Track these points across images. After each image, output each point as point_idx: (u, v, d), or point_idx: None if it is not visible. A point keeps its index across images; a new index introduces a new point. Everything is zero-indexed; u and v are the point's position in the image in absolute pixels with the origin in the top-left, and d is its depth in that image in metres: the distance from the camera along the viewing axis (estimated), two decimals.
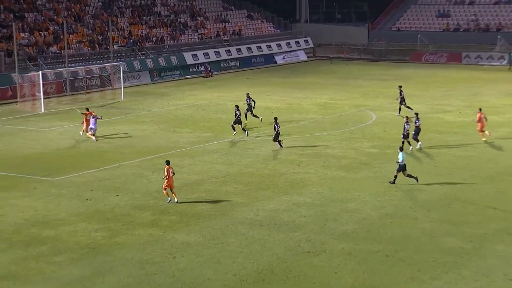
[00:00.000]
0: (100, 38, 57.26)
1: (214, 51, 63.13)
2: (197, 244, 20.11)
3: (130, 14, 62.72)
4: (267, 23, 73.83)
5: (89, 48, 55.26)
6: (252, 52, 66.64)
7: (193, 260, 19.00)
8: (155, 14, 64.72)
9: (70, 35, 54.56)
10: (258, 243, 20.23)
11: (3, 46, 49.69)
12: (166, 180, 23.63)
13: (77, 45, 54.76)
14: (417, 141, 31.20)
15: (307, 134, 35.32)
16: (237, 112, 34.45)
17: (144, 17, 63.25)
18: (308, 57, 71.53)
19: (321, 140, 33.77)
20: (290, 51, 70.27)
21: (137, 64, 56.18)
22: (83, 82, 50.03)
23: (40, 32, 53.47)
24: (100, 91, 49.84)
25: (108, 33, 55.09)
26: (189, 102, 45.66)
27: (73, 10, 58.64)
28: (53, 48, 52.63)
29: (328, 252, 19.55)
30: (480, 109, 32.64)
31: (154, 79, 56.61)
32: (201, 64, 60.87)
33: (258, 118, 37.51)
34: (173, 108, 43.50)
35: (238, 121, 34.49)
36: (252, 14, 72.86)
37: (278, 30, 74.13)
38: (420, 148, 31.05)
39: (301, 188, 25.74)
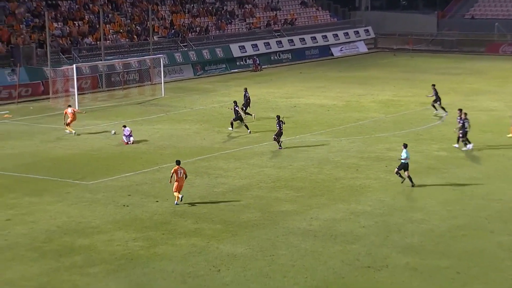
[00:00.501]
0: (139, 28, 58.02)
1: (264, 43, 63.24)
2: (244, 256, 20.13)
3: (172, 1, 63.38)
4: (322, 11, 73.58)
5: (127, 40, 56.05)
6: (306, 44, 66.52)
7: (239, 274, 19.03)
8: (199, 1, 65.24)
9: (107, 25, 55.44)
10: (311, 256, 20.12)
11: (34, 37, 50.79)
12: (175, 183, 24.02)
13: (114, 36, 55.60)
14: (468, 142, 31.17)
15: (367, 135, 35.02)
16: (236, 108, 35.12)
17: (187, 5, 63.82)
18: (368, 48, 70.99)
19: (382, 141, 33.42)
20: (349, 42, 69.86)
21: (179, 56, 56.71)
22: (120, 77, 50.77)
23: (75, 22, 54.47)
24: (138, 86, 50.50)
25: (148, 22, 55.77)
26: (235, 99, 45.82)
27: None
28: (88, 39, 53.55)
29: (391, 268, 19.31)
30: None
31: (198, 74, 57.05)
32: (249, 56, 61.05)
33: (251, 115, 37.95)
34: (217, 105, 43.73)
35: (238, 118, 35.09)
36: (306, 1, 72.71)
37: (335, 19, 73.79)
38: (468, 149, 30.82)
39: (360, 195, 25.52)
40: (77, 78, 43.14)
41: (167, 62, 53.74)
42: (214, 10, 65.31)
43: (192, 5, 64.36)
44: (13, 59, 47.93)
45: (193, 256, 20.12)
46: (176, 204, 24.37)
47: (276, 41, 64.51)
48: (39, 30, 51.64)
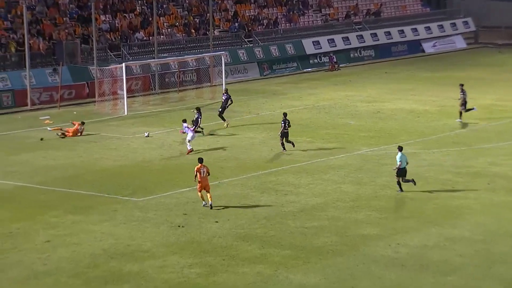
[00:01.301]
0: (197, 21, 58.73)
1: (342, 37, 63.13)
2: None
3: None
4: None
5: (183, 34, 56.81)
6: (392, 38, 66.09)
7: None
8: None
9: (161, 18, 56.33)
10: None
11: (79, 31, 51.97)
12: (198, 182, 25.90)
13: (168, 30, 56.44)
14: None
15: (465, 146, 34.52)
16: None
17: None
18: (467, 44, 70.03)
19: (483, 154, 32.90)
20: (444, 37, 69.09)
21: (243, 54, 57.13)
22: (176, 77, 51.47)
23: (125, 14, 55.49)
24: (196, 88, 51.09)
25: (208, 14, 56.38)
26: (308, 103, 45.83)
27: None
28: (140, 34, 54.49)
29: None
30: None
31: (264, 73, 57.32)
32: (325, 54, 61.05)
33: (225, 121, 38.63)
34: (287, 110, 43.74)
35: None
36: None
37: (428, 9, 73.09)
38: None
39: (457, 218, 25.15)
40: (126, 79, 43.91)
41: (229, 60, 54.20)
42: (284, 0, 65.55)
43: None
44: (55, 57, 49.14)
45: (258, 287, 20.16)
46: (204, 205, 26.12)
47: (357, 36, 64.31)
48: (84, 23, 52.81)
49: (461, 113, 39.31)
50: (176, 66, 51.50)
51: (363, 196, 27.55)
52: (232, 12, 61.29)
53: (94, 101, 46.09)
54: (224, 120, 38.94)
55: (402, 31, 66.91)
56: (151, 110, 44.51)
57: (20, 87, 45.71)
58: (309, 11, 66.05)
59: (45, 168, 31.50)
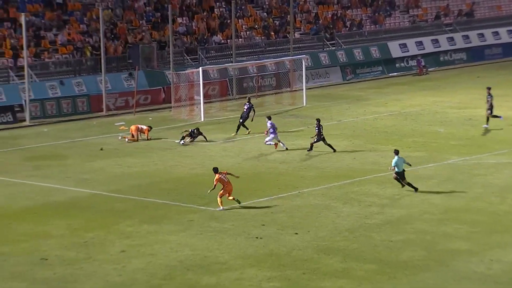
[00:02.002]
0: (277, 23, 58.94)
1: (431, 40, 62.55)
2: None
3: None
4: None
5: (262, 37, 57.10)
6: (486, 41, 65.12)
7: None
8: None
9: (239, 20, 56.74)
10: None
11: (155, 35, 52.79)
12: (222, 188, 27.02)
13: (247, 32, 56.81)
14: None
15: None
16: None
17: None
18: None
19: None
20: None
21: (325, 57, 57.10)
22: (254, 82, 51.75)
23: (202, 17, 56.02)
24: (275, 93, 51.26)
25: (289, 16, 56.55)
26: (394, 110, 45.47)
27: None
28: (217, 37, 55.00)
29: None
30: None
31: (347, 78, 57.16)
32: (412, 57, 60.57)
33: (247, 129, 38.96)
34: (371, 117, 43.58)
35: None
36: None
37: None
38: None
39: None
40: (203, 84, 44.38)
41: (310, 64, 54.25)
42: (369, 0, 65.19)
43: None
44: (131, 61, 50.01)
45: None
46: (221, 209, 27.12)
47: (447, 38, 63.58)
48: (159, 25, 53.60)
49: (488, 118, 39.43)
50: (255, 71, 51.79)
51: (453, 209, 27.19)
52: (314, 14, 61.30)
53: (170, 107, 46.70)
54: (246, 128, 39.17)
55: (496, 33, 65.84)
56: (228, 116, 44.83)
57: (95, 92, 46.68)
58: (396, 12, 65.58)
59: (120, 175, 32.08)
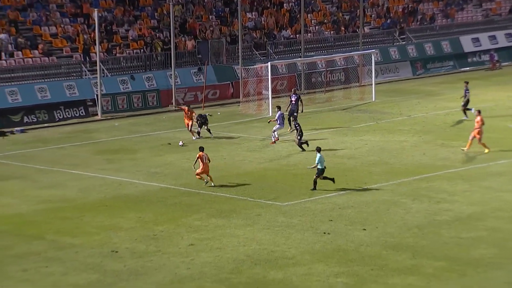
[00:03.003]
0: (347, 18, 58.70)
1: (505, 34, 61.60)
2: None
3: None
4: None
5: (332, 32, 56.95)
6: None
7: None
8: None
9: (308, 15, 56.68)
10: None
11: (224, 30, 53.08)
12: (200, 169, 29.32)
13: (316, 27, 56.72)
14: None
15: None
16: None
17: None
18: None
19: None
20: None
21: (395, 52, 56.69)
22: (323, 77, 51.66)
23: (271, 11, 56.13)
24: (343, 88, 51.09)
25: (359, 11, 56.26)
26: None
27: None
28: (286, 32, 55.04)
29: None
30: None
31: (417, 73, 56.67)
32: (485, 51, 59.72)
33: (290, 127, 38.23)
34: (442, 112, 43.12)
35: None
36: None
37: None
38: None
39: None
40: (271, 79, 44.46)
41: (379, 59, 53.93)
42: None
43: None
44: (200, 56, 50.40)
45: None
46: (206, 183, 29.52)
47: None
48: (229, 21, 53.87)
49: (464, 111, 40.29)
50: (323, 65, 51.69)
51: None
52: (385, 8, 60.86)
53: (238, 102, 46.91)
54: (289, 124, 38.43)
55: None
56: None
57: (165, 87, 47.19)
58: (469, 5, 64.73)
59: (188, 170, 32.35)
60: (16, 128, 41.32)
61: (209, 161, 29.80)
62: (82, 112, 44.37)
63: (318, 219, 26.08)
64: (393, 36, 58.51)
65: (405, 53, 57.04)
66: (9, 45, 46.22)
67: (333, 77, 52.44)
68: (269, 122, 38.52)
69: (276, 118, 37.17)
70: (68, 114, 43.89)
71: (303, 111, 39.63)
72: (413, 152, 34.59)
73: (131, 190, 29.95)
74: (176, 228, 25.47)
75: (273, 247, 23.66)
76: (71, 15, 50.11)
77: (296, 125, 35.80)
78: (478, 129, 33.72)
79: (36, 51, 46.61)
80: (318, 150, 29.03)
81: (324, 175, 28.87)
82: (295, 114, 38.31)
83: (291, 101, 39.26)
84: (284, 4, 57.67)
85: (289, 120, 38.49)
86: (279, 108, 37.72)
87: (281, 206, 27.52)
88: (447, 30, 61.10)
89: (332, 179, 28.99)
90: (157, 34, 50.83)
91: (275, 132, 36.95)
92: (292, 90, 40.92)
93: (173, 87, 46.65)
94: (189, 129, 37.93)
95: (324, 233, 24.74)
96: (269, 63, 44.96)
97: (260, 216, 26.50)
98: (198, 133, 37.95)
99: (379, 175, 31.05)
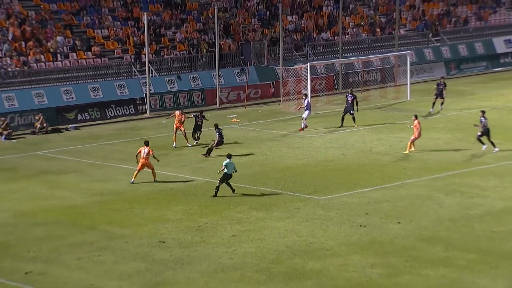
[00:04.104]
0: (383, 20, 58.40)
1: None
2: None
3: None
4: None
5: (368, 34, 56.68)
6: None
7: None
8: None
9: (346, 18, 56.46)
10: None
11: (266, 32, 53.08)
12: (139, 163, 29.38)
13: (354, 29, 56.51)
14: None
15: None
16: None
17: None
18: None
19: None
20: None
21: (429, 53, 56.26)
22: (359, 77, 51.47)
23: (310, 14, 56.05)
24: (380, 88, 50.83)
25: (395, 13, 55.94)
26: (498, 104, 44.42)
27: None
28: (325, 34, 54.92)
29: None
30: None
31: (451, 73, 56.15)
32: None
33: (354, 122, 38.45)
34: (475, 111, 42.64)
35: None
36: None
37: None
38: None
39: None
40: (310, 78, 44.40)
41: (414, 59, 53.54)
42: None
43: None
44: (243, 57, 50.52)
45: None
46: (132, 182, 29.64)
47: None
48: (271, 24, 53.88)
49: (433, 104, 41.89)
50: (360, 66, 51.51)
51: None
52: (420, 11, 60.42)
53: (279, 101, 46.93)
54: (354, 121, 38.85)
55: None
56: (334, 109, 44.66)
57: (209, 87, 47.35)
58: (502, 8, 63.98)
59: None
60: (70, 125, 41.79)
61: (151, 153, 29.66)
62: (131, 110, 44.71)
63: (354, 212, 26.03)
64: (428, 38, 58.06)
65: (439, 54, 56.57)
66: (65, 47, 46.74)
67: (370, 77, 52.19)
68: (299, 109, 39.25)
69: (304, 105, 37.80)
70: (119, 112, 44.26)
71: (358, 110, 39.66)
72: (446, 149, 34.34)
73: (178, 184, 30.15)
74: (220, 220, 25.59)
75: (312, 238, 23.66)
76: (122, 19, 50.50)
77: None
78: (418, 132, 33.10)
79: (89, 53, 47.07)
80: (229, 157, 28.00)
81: (231, 182, 27.99)
82: (351, 112, 38.87)
83: (348, 100, 39.41)
84: (323, 8, 57.51)
85: (342, 118, 39.11)
86: (306, 95, 38.61)
87: (319, 200, 27.51)
88: (480, 32, 60.44)
89: (233, 190, 27.99)
90: (203, 37, 51.03)
91: (305, 120, 37.56)
92: (349, 90, 41.15)
93: (217, 86, 46.80)
94: (184, 134, 36.24)
95: (360, 226, 24.69)
96: (308, 63, 44.87)
97: (299, 209, 26.52)
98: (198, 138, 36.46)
99: (413, 171, 30.88)
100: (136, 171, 29.91)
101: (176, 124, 36.46)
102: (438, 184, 28.97)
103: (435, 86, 42.88)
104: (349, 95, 39.68)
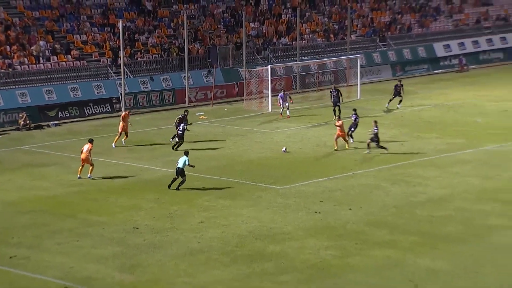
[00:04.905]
0: (336, 27, 58.55)
1: (472, 41, 61.31)
2: (444, 273, 19.69)
3: None
4: None
5: (323, 39, 56.80)
6: None
7: None
8: None
9: (303, 25, 56.54)
10: None
11: (231, 37, 52.95)
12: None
13: (310, 35, 56.58)
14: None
15: None
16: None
17: (388, 2, 63.40)
18: None
19: None
20: None
21: (377, 56, 56.52)
22: (315, 78, 51.56)
23: (271, 21, 55.99)
24: None
25: (346, 21, 56.10)
26: (437, 102, 44.82)
27: None
28: (284, 39, 54.93)
29: None
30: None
31: (397, 74, 56.47)
32: (455, 56, 59.48)
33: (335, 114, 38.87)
34: (418, 108, 43.04)
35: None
36: None
37: None
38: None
39: None
40: (271, 79, 44.40)
41: (364, 62, 53.76)
42: (418, 6, 64.29)
43: (394, 1, 63.82)
44: (210, 60, 50.35)
45: (388, 269, 20.00)
46: (79, 178, 28.89)
47: (486, 39, 62.25)
48: (235, 30, 53.77)
49: (390, 100, 42.23)
50: (316, 68, 51.63)
51: (489, 189, 26.75)
52: (369, 19, 60.72)
53: (243, 99, 46.86)
54: (335, 112, 39.86)
55: None
56: (292, 107, 44.69)
57: (179, 87, 47.11)
58: (441, 16, 64.50)
59: (199, 158, 32.35)
60: (51, 122, 41.32)
61: (87, 153, 28.72)
62: (108, 109, 44.33)
63: (310, 200, 26.10)
64: (376, 43, 58.35)
65: (386, 57, 56.88)
66: (47, 51, 46.17)
67: (324, 78, 52.31)
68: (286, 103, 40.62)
69: (279, 96, 40.24)
70: (96, 110, 43.86)
71: (343, 101, 40.64)
72: (392, 143, 34.54)
73: (150, 175, 29.98)
74: (189, 208, 25.52)
75: (272, 224, 23.69)
76: (99, 25, 50.01)
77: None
78: (340, 130, 32.99)
79: (69, 56, 46.55)
80: (186, 153, 27.41)
81: (182, 177, 27.13)
82: (338, 104, 39.91)
83: (333, 95, 40.47)
84: (283, 15, 57.54)
85: (333, 110, 39.99)
86: (284, 90, 41.03)
87: (278, 189, 27.54)
88: (422, 38, 60.85)
89: (175, 183, 27.18)
90: (173, 41, 50.73)
91: (287, 109, 40.08)
92: (332, 86, 42.39)
93: (186, 86, 46.58)
94: (126, 131, 34.65)
95: (316, 212, 24.77)
96: (269, 66, 44.87)
97: (261, 198, 26.53)
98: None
99: (363, 163, 31.05)
100: (80, 167, 29.22)
101: (122, 124, 34.81)
102: (384, 175, 29.16)
103: (394, 86, 42.99)
104: (333, 90, 40.56)
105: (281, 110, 40.86)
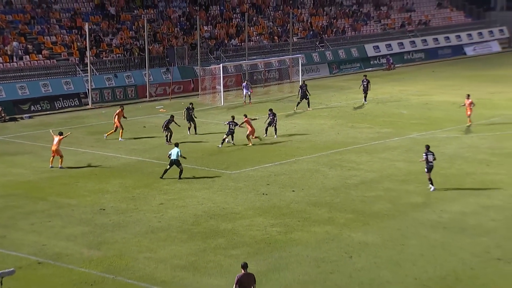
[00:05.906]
0: (280, 30, 58.63)
1: (398, 43, 62.07)
2: (374, 245, 19.93)
3: (312, 5, 63.49)
4: (457, 11, 71.11)
5: (268, 41, 56.82)
6: (439, 43, 64.55)
7: (370, 261, 18.87)
8: (336, 4, 64.97)
9: (251, 28, 56.45)
10: (441, 247, 19.60)
11: (186, 39, 52.61)
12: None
13: (257, 37, 56.54)
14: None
15: (498, 131, 33.55)
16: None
17: (325, 8, 63.72)
18: (502, 48, 67.77)
19: None
20: (482, 42, 67.02)
21: (316, 56, 56.78)
22: (262, 75, 51.56)
23: (222, 25, 55.86)
24: (278, 84, 51.07)
25: (289, 25, 56.21)
26: (369, 97, 45.23)
27: (255, 2, 60.30)
28: (234, 41, 54.82)
29: None
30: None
31: (333, 72, 56.88)
32: (383, 56, 60.11)
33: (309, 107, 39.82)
34: (351, 102, 43.41)
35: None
36: (441, 2, 70.50)
37: (470, 19, 70.99)
38: None
39: (491, 190, 24.55)
40: (223, 76, 44.28)
41: (305, 61, 53.96)
42: (351, 12, 64.81)
43: (330, 8, 64.21)
44: (168, 59, 49.95)
45: (326, 243, 20.16)
46: (51, 167, 28.07)
47: (410, 41, 63.08)
48: (190, 32, 53.44)
49: (365, 97, 41.79)
50: (262, 66, 51.62)
51: (413, 172, 27.13)
52: (309, 23, 60.97)
53: (198, 94, 46.62)
54: (308, 105, 40.46)
55: (447, 38, 65.33)
56: (241, 101, 44.68)
57: (141, 83, 46.61)
58: (371, 21, 65.13)
59: (159, 146, 32.12)
60: (25, 115, 40.46)
61: (57, 145, 28.03)
62: (76, 103, 43.61)
63: (258, 183, 26.12)
64: (315, 44, 58.63)
65: (324, 57, 57.20)
66: (19, 51, 45.14)
67: (270, 75, 52.36)
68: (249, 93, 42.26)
69: (242, 86, 42.30)
70: (66, 104, 43.11)
71: (310, 94, 40.72)
72: (330, 132, 34.81)
73: (115, 162, 29.60)
74: (150, 191, 25.29)
75: (224, 205, 23.65)
76: (67, 27, 49.09)
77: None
78: (250, 129, 32.41)
79: (40, 55, 45.61)
80: (176, 145, 26.63)
81: (178, 166, 26.19)
82: (307, 97, 40.13)
83: (302, 89, 40.54)
84: (233, 20, 57.36)
85: (298, 103, 40.32)
86: (247, 81, 43.14)
87: (230, 174, 27.49)
88: (355, 40, 61.37)
89: (180, 174, 26.27)
90: (135, 42, 50.13)
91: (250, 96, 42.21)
92: (302, 81, 42.65)
93: (147, 83, 46.12)
94: (121, 129, 33.60)
95: (263, 194, 24.81)
96: (221, 64, 44.72)
97: (215, 182, 26.44)
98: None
99: (304, 150, 31.19)
100: (51, 157, 28.49)
101: (116, 119, 33.90)
102: (323, 160, 29.35)
103: (363, 83, 42.44)
104: (303, 85, 40.75)
105: (243, 98, 42.45)
